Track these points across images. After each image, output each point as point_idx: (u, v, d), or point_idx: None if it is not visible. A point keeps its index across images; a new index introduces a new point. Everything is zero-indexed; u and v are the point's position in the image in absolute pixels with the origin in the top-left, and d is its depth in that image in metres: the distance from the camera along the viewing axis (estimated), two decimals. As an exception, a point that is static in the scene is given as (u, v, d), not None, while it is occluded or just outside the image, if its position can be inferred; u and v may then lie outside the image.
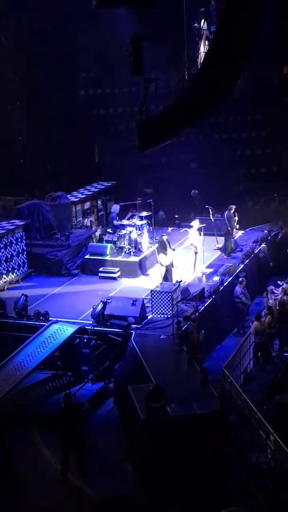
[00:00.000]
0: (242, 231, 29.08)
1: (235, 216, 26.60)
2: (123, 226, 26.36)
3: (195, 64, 16.93)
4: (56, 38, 33.18)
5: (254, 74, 32.31)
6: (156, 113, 16.53)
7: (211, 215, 27.27)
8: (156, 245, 26.54)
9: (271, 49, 31.56)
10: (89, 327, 21.30)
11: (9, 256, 24.93)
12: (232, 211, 26.45)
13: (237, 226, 26.96)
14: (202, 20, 18.32)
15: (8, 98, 34.72)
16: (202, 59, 16.79)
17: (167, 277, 23.89)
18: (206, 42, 17.50)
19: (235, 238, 27.96)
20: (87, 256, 26.21)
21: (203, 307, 22.19)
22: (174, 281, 23.22)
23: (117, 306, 21.55)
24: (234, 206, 26.73)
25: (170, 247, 24.11)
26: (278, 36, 31.80)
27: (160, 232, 28.06)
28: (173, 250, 24.26)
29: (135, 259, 25.54)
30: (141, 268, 25.59)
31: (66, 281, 25.39)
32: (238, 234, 28.57)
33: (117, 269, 25.29)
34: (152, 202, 28.22)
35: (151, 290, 22.06)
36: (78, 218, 29.37)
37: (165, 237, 24.28)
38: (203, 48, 17.45)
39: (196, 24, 19.04)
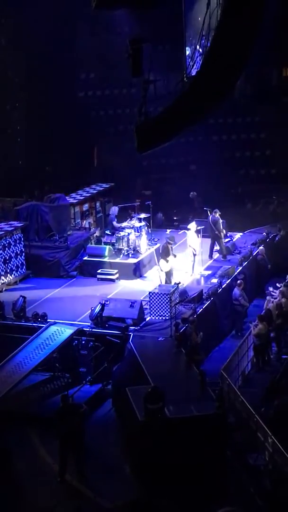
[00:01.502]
0: (241, 233, 29.10)
1: (221, 220, 26.49)
2: (122, 228, 26.34)
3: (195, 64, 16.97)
4: (56, 39, 33.19)
5: (254, 75, 32.39)
6: (156, 115, 16.52)
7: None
8: (155, 246, 26.58)
9: (271, 50, 31.60)
10: (87, 329, 21.28)
11: (7, 258, 24.90)
12: (217, 215, 26.35)
13: (224, 231, 26.80)
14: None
15: (8, 99, 34.76)
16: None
17: (166, 281, 23.85)
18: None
19: (234, 240, 27.97)
20: (85, 258, 26.17)
21: (202, 309, 22.18)
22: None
23: (115, 308, 21.53)
24: (217, 210, 26.55)
25: (172, 253, 24.05)
26: (278, 37, 31.82)
27: (160, 234, 28.07)
28: (175, 256, 24.19)
29: (134, 261, 25.53)
30: (140, 270, 25.58)
31: (65, 282, 25.36)
32: (236, 236, 28.59)
33: (116, 271, 25.27)
34: (151, 204, 28.21)
35: (150, 292, 22.03)
36: (77, 219, 29.34)
37: (170, 245, 24.17)
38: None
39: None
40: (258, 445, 16.35)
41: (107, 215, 29.17)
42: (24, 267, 25.74)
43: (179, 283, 22.84)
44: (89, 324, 21.42)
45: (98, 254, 25.97)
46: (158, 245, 26.72)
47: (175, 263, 24.26)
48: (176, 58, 28.04)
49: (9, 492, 16.30)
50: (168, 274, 23.94)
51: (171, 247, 24.14)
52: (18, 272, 25.46)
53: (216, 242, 26.51)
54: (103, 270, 25.35)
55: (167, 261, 23.83)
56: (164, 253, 24.02)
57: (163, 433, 15.87)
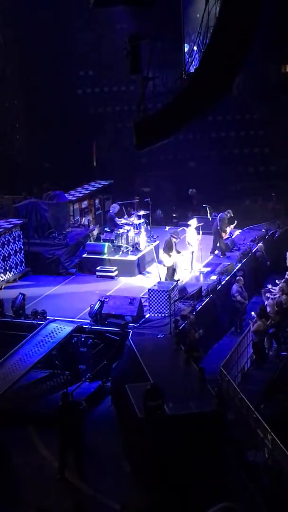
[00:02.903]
0: (240, 230, 29.11)
1: (230, 220, 26.51)
2: (121, 225, 26.35)
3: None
4: (54, 37, 33.17)
5: (253, 72, 32.38)
6: (154, 112, 16.50)
7: (208, 214, 27.26)
8: (155, 243, 26.60)
9: (270, 47, 31.58)
10: (87, 326, 21.28)
11: (6, 255, 24.90)
12: (228, 216, 26.42)
13: (227, 230, 26.77)
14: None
15: (6, 96, 34.70)
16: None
17: (166, 277, 23.85)
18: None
19: (233, 237, 27.96)
20: (84, 255, 26.18)
21: (201, 306, 22.18)
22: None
23: (114, 305, 21.54)
24: (230, 211, 26.67)
25: (176, 249, 24.03)
26: (277, 34, 31.80)
27: (159, 231, 28.08)
28: (178, 252, 24.15)
29: (133, 258, 25.53)
30: (139, 267, 25.57)
31: (64, 280, 25.37)
32: (235, 233, 28.58)
33: (115, 268, 25.27)
34: (150, 201, 28.21)
35: (149, 289, 22.04)
36: (76, 217, 29.34)
37: (174, 240, 24.15)
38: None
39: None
40: (257, 442, 16.35)
41: (106, 212, 29.17)
42: (23, 264, 25.75)
43: (178, 280, 22.89)
44: (89, 321, 21.43)
45: (97, 251, 25.97)
46: (157, 242, 26.75)
47: (179, 259, 24.26)
48: (174, 55, 28.04)
49: (8, 489, 16.32)
50: (170, 270, 23.93)
51: (175, 243, 24.12)
52: (17, 270, 25.47)
53: (217, 239, 26.54)
54: (102, 267, 25.36)
55: (169, 256, 23.81)
56: (167, 247, 24.00)
57: (162, 430, 15.88)
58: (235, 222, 26.98)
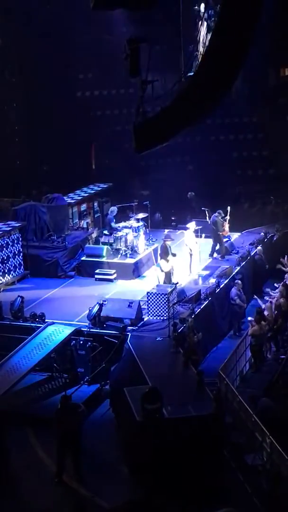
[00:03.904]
0: (239, 233, 29.11)
1: (224, 220, 26.54)
2: (120, 228, 26.36)
3: (196, 45, 17.13)
4: (54, 40, 33.14)
5: (252, 76, 32.38)
6: (153, 115, 16.50)
7: (207, 217, 27.26)
8: (153, 246, 26.59)
9: (268, 50, 31.57)
10: (85, 329, 21.27)
11: (5, 258, 24.90)
12: (219, 217, 26.41)
13: (226, 228, 26.77)
14: (202, 4, 18.54)
15: (5, 99, 34.71)
16: (202, 41, 17.03)
17: (165, 281, 23.83)
18: (205, 23, 17.75)
19: (231, 240, 27.95)
20: (83, 258, 26.19)
21: (200, 309, 22.18)
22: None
23: (113, 308, 21.52)
24: (221, 211, 26.68)
25: (171, 252, 24.02)
26: (275, 37, 31.80)
27: (158, 234, 28.07)
28: (174, 255, 24.16)
29: (131, 261, 25.54)
30: (138, 270, 25.58)
31: (62, 282, 25.37)
32: (234, 236, 28.58)
33: (113, 271, 25.28)
34: (149, 204, 28.22)
35: (147, 292, 22.03)
36: (75, 219, 29.36)
37: (168, 242, 24.17)
38: (203, 31, 17.62)
39: (196, 7, 19.32)
40: (256, 445, 16.35)
41: (105, 215, 29.17)
42: (22, 267, 25.74)
43: (177, 283, 22.88)
44: (87, 324, 21.42)
45: (96, 254, 25.98)
46: (155, 245, 26.74)
47: (176, 263, 24.25)
48: (173, 58, 28.05)
49: (7, 492, 16.29)
50: (168, 274, 23.93)
51: (170, 246, 24.13)
52: (16, 272, 25.46)
53: (217, 242, 26.55)
54: (101, 270, 25.36)
55: (167, 261, 23.82)
56: (164, 252, 24.01)
57: (160, 433, 15.87)
58: (228, 217, 26.87)
